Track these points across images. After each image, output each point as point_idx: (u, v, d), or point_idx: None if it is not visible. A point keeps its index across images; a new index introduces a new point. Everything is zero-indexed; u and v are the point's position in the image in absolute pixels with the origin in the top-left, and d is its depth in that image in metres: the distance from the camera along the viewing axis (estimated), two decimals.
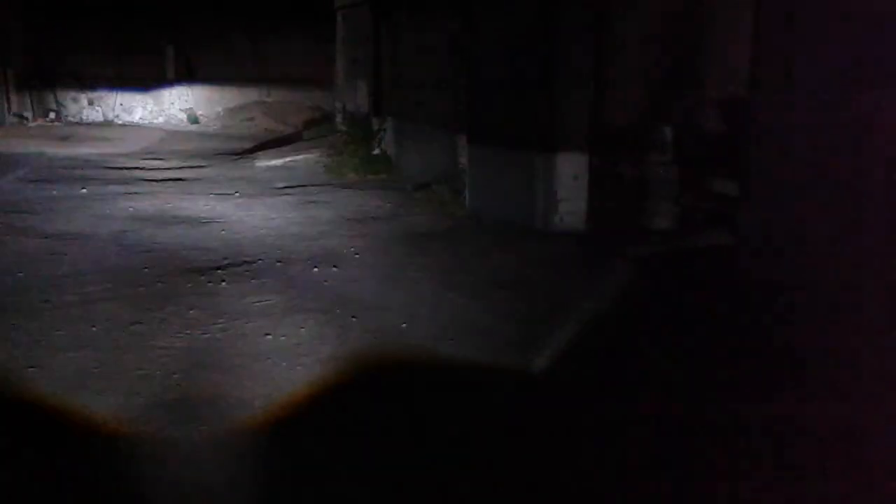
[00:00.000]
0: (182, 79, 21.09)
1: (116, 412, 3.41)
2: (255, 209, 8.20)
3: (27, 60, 19.32)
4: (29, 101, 19.41)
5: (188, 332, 4.40)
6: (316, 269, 5.74)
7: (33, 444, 3.17)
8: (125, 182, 9.87)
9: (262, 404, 3.53)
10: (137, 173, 10.81)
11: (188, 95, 21.14)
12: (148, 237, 6.75)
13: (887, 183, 3.76)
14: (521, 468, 3.06)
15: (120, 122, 20.48)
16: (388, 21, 11.70)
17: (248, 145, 14.97)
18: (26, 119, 18.99)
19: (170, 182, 10.06)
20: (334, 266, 5.84)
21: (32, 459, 3.05)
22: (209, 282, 5.37)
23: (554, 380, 3.93)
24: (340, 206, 8.48)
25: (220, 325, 4.50)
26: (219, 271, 5.62)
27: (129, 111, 20.90)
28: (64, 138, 15.68)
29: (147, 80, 20.72)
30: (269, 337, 4.34)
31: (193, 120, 20.66)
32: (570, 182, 6.84)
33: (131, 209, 8.00)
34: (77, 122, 19.83)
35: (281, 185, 9.94)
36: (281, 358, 4.05)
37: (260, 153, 13.38)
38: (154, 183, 9.91)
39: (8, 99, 18.63)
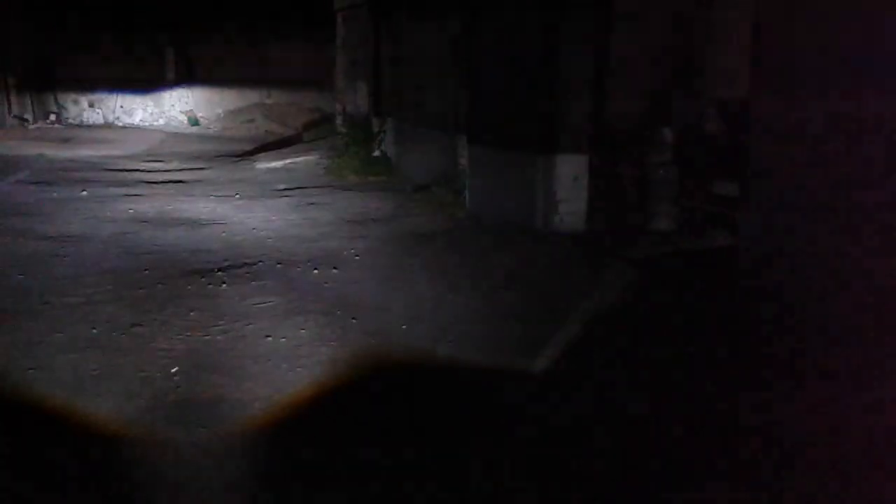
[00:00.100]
0: (182, 81, 21.11)
1: (117, 414, 3.41)
2: (256, 211, 8.20)
3: (28, 63, 19.33)
4: (29, 103, 19.42)
5: (188, 333, 4.40)
6: (316, 271, 5.74)
7: (33, 446, 3.17)
8: (125, 184, 9.87)
9: (263, 406, 3.53)
10: (138, 175, 10.82)
11: (188, 97, 21.16)
12: (148, 239, 6.75)
13: (887, 183, 3.76)
14: (521, 468, 3.06)
15: (120, 124, 20.51)
16: (388, 22, 11.71)
17: (248, 147, 14.98)
18: (27, 121, 19.00)
19: (170, 184, 10.07)
20: (334, 268, 5.84)
21: (32, 461, 3.05)
22: (209, 283, 5.37)
23: (554, 380, 3.92)
24: (340, 207, 8.48)
25: (220, 327, 4.50)
26: (219, 273, 5.62)
27: (130, 113, 20.92)
28: (64, 140, 15.70)
29: (147, 82, 20.74)
30: (270, 338, 4.34)
31: (194, 122, 20.67)
32: (569, 183, 6.84)
33: (131, 211, 8.00)
34: (77, 125, 19.86)
35: (281, 186, 9.94)
36: (281, 359, 4.05)
37: (260, 155, 13.39)
38: (154, 185, 9.92)
39: (8, 101, 18.64)
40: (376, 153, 11.64)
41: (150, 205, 8.40)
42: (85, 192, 9.08)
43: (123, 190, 9.34)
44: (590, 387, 3.82)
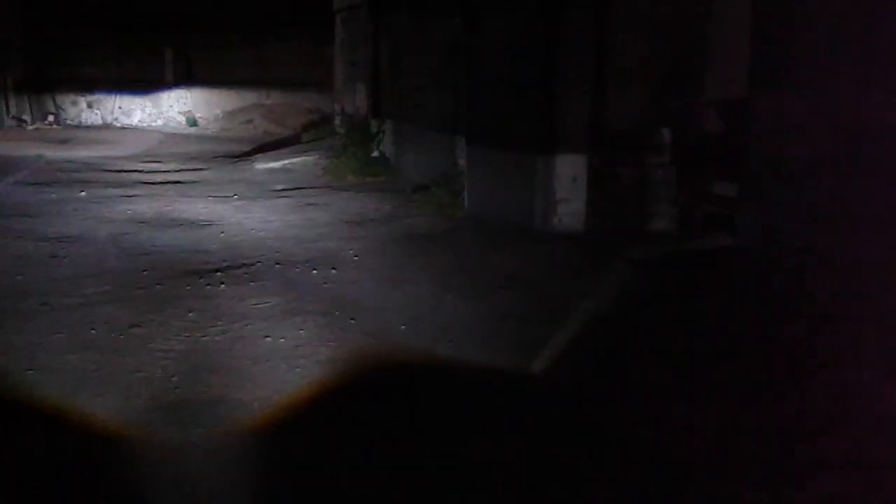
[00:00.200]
0: (181, 82, 21.10)
1: (116, 414, 3.40)
2: (254, 211, 8.19)
3: (26, 64, 19.33)
4: (28, 104, 19.41)
5: (187, 334, 4.39)
6: (315, 271, 5.74)
7: (33, 446, 3.16)
8: (124, 185, 9.86)
9: (261, 406, 3.52)
10: (136, 176, 10.81)
11: (187, 98, 21.15)
12: (147, 240, 6.74)
13: (886, 183, 3.76)
14: (521, 468, 3.06)
15: (119, 125, 20.49)
16: (388, 23, 11.71)
17: (246, 148, 14.97)
18: (25, 122, 18.99)
19: (168, 185, 10.06)
20: (333, 268, 5.83)
21: (32, 461, 3.04)
22: (208, 284, 5.36)
23: (553, 380, 3.92)
24: (339, 208, 8.47)
25: (218, 328, 4.50)
26: (217, 274, 5.61)
27: (128, 114, 20.91)
28: (63, 141, 15.68)
29: (146, 83, 20.74)
30: (268, 339, 4.34)
31: (192, 123, 20.66)
32: (569, 183, 6.84)
33: (130, 212, 7.99)
34: (76, 126, 19.84)
35: (279, 187, 9.94)
36: (280, 360, 4.04)
37: (258, 156, 13.39)
38: (153, 186, 9.91)
39: (7, 102, 18.63)
40: (375, 154, 11.63)
41: (148, 205, 8.39)
42: (83, 193, 9.06)
43: (122, 191, 9.33)
44: (589, 387, 3.82)
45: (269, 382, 3.77)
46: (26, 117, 19.20)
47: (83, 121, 20.44)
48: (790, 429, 3.28)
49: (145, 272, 5.63)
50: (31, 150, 13.76)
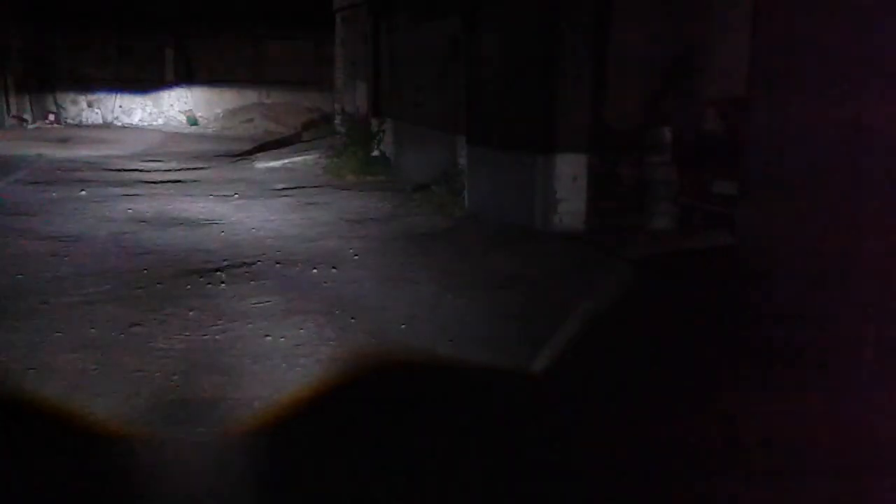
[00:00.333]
0: (181, 81, 21.09)
1: (116, 413, 3.40)
2: (254, 211, 8.19)
3: (27, 62, 19.32)
4: (28, 103, 19.40)
5: (187, 333, 4.40)
6: (315, 271, 5.74)
7: (33, 446, 3.16)
8: (124, 184, 9.87)
9: (262, 405, 3.52)
10: (136, 175, 10.82)
11: (187, 97, 21.15)
12: (147, 239, 6.75)
13: (885, 183, 3.76)
14: (521, 468, 3.06)
15: (119, 124, 20.49)
16: (387, 22, 11.71)
17: (247, 147, 14.98)
18: (26, 121, 18.98)
19: (169, 184, 10.06)
20: (333, 267, 5.83)
21: (32, 460, 3.04)
22: (208, 283, 5.37)
23: (554, 380, 3.92)
24: (339, 207, 8.48)
25: (219, 327, 4.50)
26: (218, 273, 5.62)
27: (129, 113, 20.90)
28: (63, 140, 15.69)
29: (146, 82, 20.74)
30: (269, 338, 4.34)
31: (192, 122, 20.67)
32: (569, 182, 6.84)
33: (130, 211, 8.00)
34: (76, 125, 19.84)
35: (280, 186, 9.94)
36: (280, 359, 4.05)
37: (259, 155, 13.38)
38: (153, 185, 9.91)
39: (7, 101, 18.62)
40: (375, 153, 11.63)
41: (148, 205, 8.40)
42: (84, 192, 9.07)
43: (122, 190, 9.34)
44: (589, 386, 3.82)
45: (269, 381, 3.78)
46: (27, 116, 19.19)
47: (84, 120, 20.44)
48: (790, 428, 3.28)
49: (145, 271, 5.64)
50: (31, 149, 13.77)
